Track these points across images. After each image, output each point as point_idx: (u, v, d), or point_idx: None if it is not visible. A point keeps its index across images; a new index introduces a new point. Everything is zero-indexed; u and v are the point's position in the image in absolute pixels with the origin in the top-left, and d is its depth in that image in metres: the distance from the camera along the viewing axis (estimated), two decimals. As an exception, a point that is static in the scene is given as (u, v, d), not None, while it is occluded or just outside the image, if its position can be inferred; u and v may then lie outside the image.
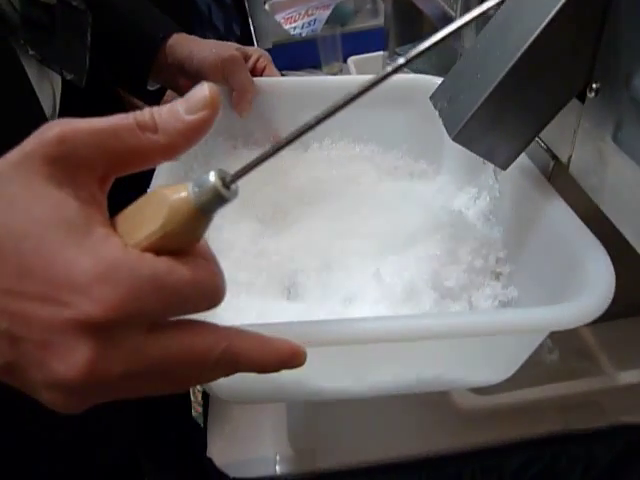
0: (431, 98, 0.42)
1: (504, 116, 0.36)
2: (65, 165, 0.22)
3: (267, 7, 1.57)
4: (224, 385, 0.37)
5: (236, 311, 0.39)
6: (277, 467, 0.51)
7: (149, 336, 0.22)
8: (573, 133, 0.38)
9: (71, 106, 0.56)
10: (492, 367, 0.39)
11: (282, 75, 1.36)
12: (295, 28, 1.46)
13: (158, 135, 0.22)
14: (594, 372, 0.51)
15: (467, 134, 0.37)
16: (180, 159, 0.51)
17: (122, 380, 0.22)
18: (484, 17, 0.47)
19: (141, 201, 0.23)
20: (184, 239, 0.22)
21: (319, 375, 0.37)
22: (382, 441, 0.51)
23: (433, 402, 0.51)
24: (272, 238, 0.48)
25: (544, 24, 0.32)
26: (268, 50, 1.33)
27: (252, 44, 1.11)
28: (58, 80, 0.53)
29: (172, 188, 0.22)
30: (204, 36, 0.91)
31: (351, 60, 1.14)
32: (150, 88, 0.63)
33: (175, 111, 0.23)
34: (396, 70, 0.23)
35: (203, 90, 0.23)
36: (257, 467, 0.52)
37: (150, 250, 0.22)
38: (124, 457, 0.67)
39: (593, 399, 0.51)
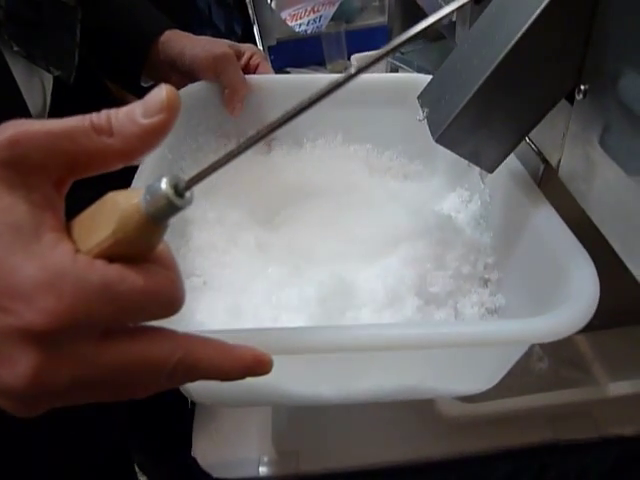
0: (418, 98, 0.41)
1: (489, 118, 0.35)
2: (17, 168, 0.21)
3: (273, 4, 1.56)
4: (199, 388, 0.37)
5: (209, 312, 0.38)
6: (260, 468, 0.51)
7: (101, 344, 0.22)
8: (562, 136, 0.36)
9: (63, 103, 0.56)
10: (474, 376, 0.38)
11: (286, 72, 1.35)
12: (300, 25, 1.45)
13: (114, 138, 0.22)
14: (585, 382, 0.49)
15: (451, 136, 0.36)
16: (167, 157, 0.50)
17: (71, 388, 0.21)
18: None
19: (95, 206, 0.22)
20: (137, 246, 0.22)
21: (297, 381, 0.37)
22: (366, 446, 0.50)
23: (418, 408, 0.50)
24: (260, 238, 0.47)
25: (530, 22, 0.31)
26: (272, 47, 1.34)
27: (254, 44, 1.10)
28: (49, 77, 0.53)
29: (125, 194, 0.21)
30: (204, 34, 0.90)
31: (354, 58, 1.13)
32: (144, 85, 0.62)
33: (132, 114, 0.22)
34: (354, 75, 0.21)
35: (160, 93, 0.22)
36: (241, 468, 0.52)
37: (102, 257, 0.21)
38: (115, 450, 0.67)
39: (584, 409, 0.50)
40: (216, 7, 0.92)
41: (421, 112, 0.39)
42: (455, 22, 0.56)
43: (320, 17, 1.42)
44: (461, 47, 0.37)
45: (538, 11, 0.30)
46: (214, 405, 0.52)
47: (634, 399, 0.48)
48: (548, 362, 0.48)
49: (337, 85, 0.22)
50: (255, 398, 0.39)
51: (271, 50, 1.32)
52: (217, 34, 0.92)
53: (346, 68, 1.03)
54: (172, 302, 0.23)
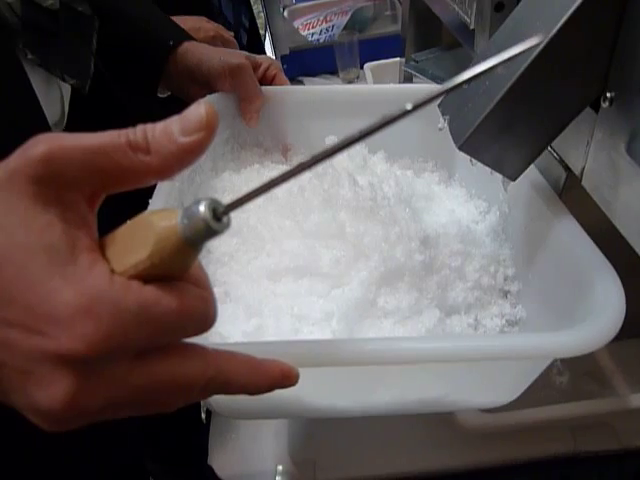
0: (439, 106, 0.40)
1: (513, 125, 0.35)
2: (51, 185, 0.21)
3: (285, 13, 1.57)
4: (222, 402, 0.37)
5: (231, 323, 0.38)
6: (277, 478, 0.50)
7: (134, 364, 0.21)
8: (586, 144, 0.36)
9: (80, 113, 0.56)
10: (497, 390, 0.37)
11: (299, 81, 1.36)
12: (313, 34, 1.45)
13: (150, 157, 0.21)
14: (606, 393, 0.49)
15: (474, 143, 0.35)
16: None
17: (105, 408, 0.21)
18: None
19: (130, 225, 0.22)
20: (172, 268, 0.21)
21: (319, 394, 0.36)
22: (383, 456, 0.50)
23: (437, 419, 0.49)
24: (281, 247, 0.46)
25: (556, 29, 0.30)
26: (285, 56, 1.34)
27: (259, 37, 1.11)
28: (67, 87, 0.53)
29: (160, 215, 0.21)
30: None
31: (367, 66, 1.13)
32: (161, 95, 0.63)
33: (169, 132, 0.21)
34: (410, 111, 0.21)
35: (199, 110, 0.21)
36: (257, 478, 0.52)
37: (137, 277, 0.21)
38: (130, 458, 0.67)
39: (604, 421, 0.49)
40: (225, 0, 0.94)
41: (442, 120, 0.39)
42: (474, 30, 0.56)
43: (332, 26, 1.43)
44: (485, 52, 0.37)
45: (563, 19, 0.30)
46: (235, 417, 0.51)
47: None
48: (569, 375, 0.47)
49: (390, 120, 0.20)
50: (278, 411, 0.39)
51: (284, 59, 1.32)
52: (226, 25, 0.93)
53: (358, 77, 1.03)
54: (205, 321, 0.23)
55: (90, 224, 0.22)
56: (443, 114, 0.39)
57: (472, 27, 0.55)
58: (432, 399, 0.37)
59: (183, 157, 0.21)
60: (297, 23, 1.53)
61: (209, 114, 0.21)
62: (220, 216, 0.20)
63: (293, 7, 1.61)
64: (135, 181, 0.22)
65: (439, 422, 0.49)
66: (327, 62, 1.31)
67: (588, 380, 0.49)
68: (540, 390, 0.38)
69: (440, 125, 0.39)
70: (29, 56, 0.44)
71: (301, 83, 1.34)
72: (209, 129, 0.21)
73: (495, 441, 0.48)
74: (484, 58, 0.36)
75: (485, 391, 0.37)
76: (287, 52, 1.34)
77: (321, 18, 1.49)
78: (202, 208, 0.20)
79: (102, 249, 0.22)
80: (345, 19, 1.41)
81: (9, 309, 0.20)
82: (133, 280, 0.21)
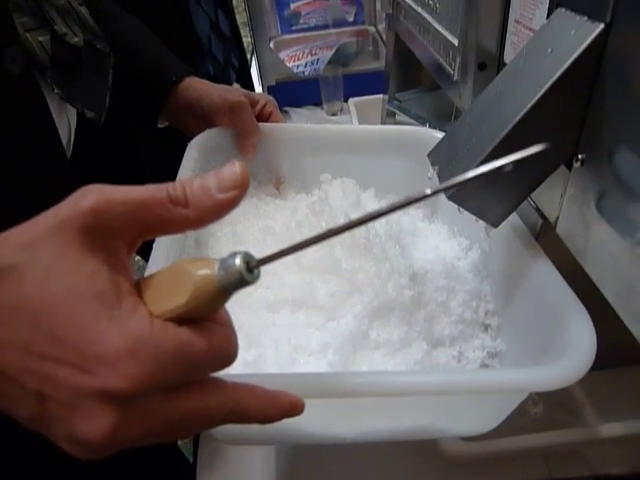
0: (429, 156, 0.44)
1: (496, 180, 0.39)
2: (98, 234, 0.23)
3: (272, 44, 1.62)
4: (224, 429, 0.39)
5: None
6: (265, 505, 0.52)
7: (166, 399, 0.24)
8: (560, 197, 0.40)
9: (84, 137, 0.59)
10: (480, 418, 0.40)
11: (284, 111, 1.40)
12: (298, 66, 1.50)
13: (189, 210, 0.24)
14: (577, 423, 0.52)
15: (462, 194, 0.39)
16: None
17: (138, 439, 0.24)
18: (481, 85, 0.50)
19: (167, 271, 0.24)
20: (205, 312, 0.24)
21: (315, 422, 0.39)
22: (368, 483, 0.52)
23: (421, 447, 0.52)
24: (277, 278, 0.49)
25: (536, 99, 0.34)
26: (272, 87, 1.38)
27: (249, 76, 1.15)
28: (74, 114, 0.56)
29: (198, 265, 0.23)
30: (206, 66, 0.95)
31: (351, 102, 1.18)
32: (160, 126, 0.65)
33: (206, 188, 0.24)
34: (429, 195, 0.24)
35: (234, 169, 0.24)
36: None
37: (173, 319, 0.23)
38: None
39: (576, 449, 0.52)
40: (216, 40, 0.97)
41: (431, 170, 0.43)
42: (456, 80, 0.60)
43: (318, 60, 1.48)
44: (470, 112, 0.41)
45: (543, 90, 0.34)
46: (232, 444, 0.53)
47: (624, 440, 0.51)
48: (542, 406, 0.51)
49: (413, 201, 0.24)
50: (276, 437, 0.41)
51: (270, 89, 1.37)
52: (216, 65, 0.97)
53: (342, 109, 1.08)
54: (229, 358, 0.25)
55: (129, 268, 0.25)
56: (432, 164, 0.43)
57: (455, 79, 0.59)
58: (420, 427, 0.40)
59: (218, 211, 0.24)
60: (283, 55, 1.57)
61: (243, 174, 0.24)
62: (252, 269, 0.23)
63: (279, 38, 1.66)
64: (171, 230, 0.25)
65: (422, 450, 0.52)
66: (312, 94, 1.36)
67: (560, 410, 0.53)
68: (516, 419, 0.42)
69: (430, 174, 0.42)
70: (55, 90, 0.46)
71: (286, 113, 1.38)
72: (242, 187, 0.24)
73: (476, 468, 0.51)
74: (464, 120, 0.40)
75: (471, 420, 0.40)
76: (274, 83, 1.38)
77: (306, 51, 1.54)
78: (238, 261, 0.23)
79: (139, 291, 0.24)
80: (330, 54, 1.47)
81: (60, 349, 0.22)
82: (169, 322, 0.23)
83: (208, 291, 0.23)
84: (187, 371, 0.23)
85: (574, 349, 0.34)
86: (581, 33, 0.33)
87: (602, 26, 0.32)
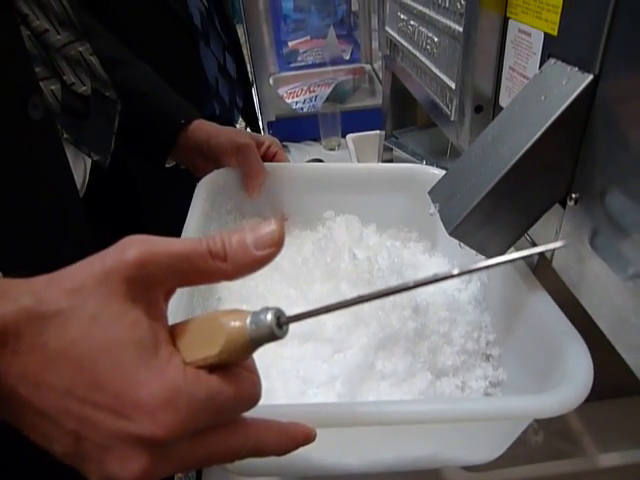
0: (430, 193, 0.46)
1: (495, 216, 0.41)
2: (141, 285, 0.24)
3: (271, 81, 1.67)
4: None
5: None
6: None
7: (194, 440, 0.25)
8: (555, 233, 0.42)
9: (96, 179, 0.61)
10: (485, 446, 0.42)
11: (284, 146, 1.44)
12: (297, 103, 1.55)
13: (227, 264, 0.25)
14: (577, 453, 0.53)
15: (463, 230, 0.41)
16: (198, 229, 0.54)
17: (165, 476, 0.25)
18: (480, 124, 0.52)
19: (200, 321, 0.26)
20: (234, 361, 0.25)
21: (323, 453, 0.40)
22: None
23: (423, 477, 0.53)
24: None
25: (531, 142, 0.37)
26: (271, 122, 1.42)
27: (254, 116, 1.19)
28: (89, 160, 0.58)
29: (230, 317, 0.25)
30: (211, 105, 0.98)
31: (349, 137, 1.21)
32: (167, 165, 0.68)
33: (244, 244, 0.25)
34: (446, 277, 0.26)
35: (271, 228, 0.25)
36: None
37: (204, 367, 0.25)
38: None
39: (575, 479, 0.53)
40: (222, 82, 1.01)
41: (432, 207, 0.45)
42: (453, 120, 0.63)
43: (316, 97, 1.53)
44: (469, 154, 0.44)
45: (537, 134, 0.37)
46: (246, 476, 0.54)
47: (623, 470, 0.52)
48: (543, 435, 0.52)
49: (439, 279, 0.26)
50: (286, 469, 0.42)
51: (270, 125, 1.41)
52: (222, 105, 1.01)
53: (339, 145, 1.12)
54: (254, 402, 0.27)
55: (165, 316, 0.26)
56: (433, 201, 0.45)
57: (452, 119, 0.62)
58: (426, 456, 0.41)
59: (254, 267, 0.25)
60: (282, 91, 1.62)
61: (280, 233, 0.25)
62: (282, 325, 0.25)
63: (277, 75, 1.72)
64: (208, 281, 0.26)
65: (424, 478, 0.53)
66: (310, 130, 1.39)
67: (560, 439, 0.54)
68: (517, 448, 0.43)
69: (431, 211, 0.45)
70: (65, 135, 0.49)
71: (286, 147, 1.42)
72: (278, 245, 0.25)
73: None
74: (463, 161, 0.42)
75: (476, 448, 0.41)
76: (273, 118, 1.42)
77: (304, 88, 1.59)
78: (269, 317, 0.24)
79: (173, 337, 0.26)
80: (328, 91, 1.52)
81: (100, 394, 0.23)
82: (201, 370, 0.25)
83: (239, 344, 0.24)
84: (216, 417, 0.25)
85: (572, 376, 0.35)
86: (572, 82, 0.36)
87: (591, 77, 0.34)
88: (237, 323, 0.24)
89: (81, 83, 0.51)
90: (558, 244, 0.28)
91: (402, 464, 0.41)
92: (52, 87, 0.47)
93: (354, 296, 0.26)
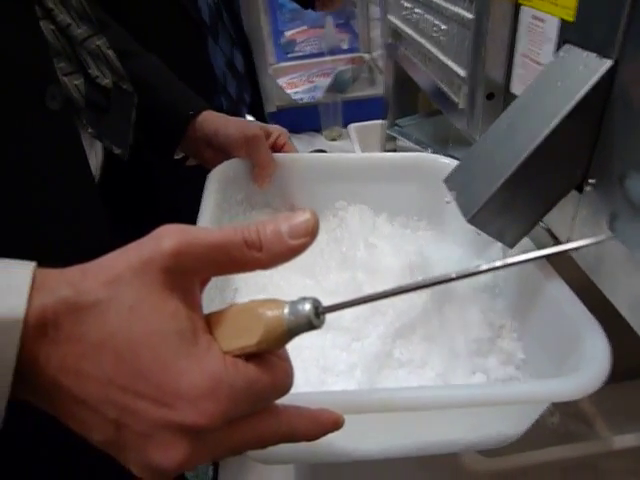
0: (445, 182, 0.46)
1: (513, 204, 0.41)
2: (178, 274, 0.24)
3: (270, 71, 1.66)
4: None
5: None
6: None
7: (230, 428, 0.26)
8: (572, 219, 0.42)
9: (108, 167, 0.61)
10: (504, 429, 0.42)
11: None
12: (297, 93, 1.54)
13: (262, 253, 0.25)
14: (591, 436, 0.54)
15: (481, 218, 0.41)
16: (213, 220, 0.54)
17: (202, 462, 0.25)
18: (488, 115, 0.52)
19: (237, 310, 0.26)
20: (270, 350, 0.26)
21: (343, 439, 0.40)
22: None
23: (440, 462, 0.53)
24: None
25: (549, 130, 0.37)
26: (273, 113, 1.42)
27: (261, 111, 1.18)
28: (100, 148, 0.58)
29: (268, 306, 0.25)
30: (219, 100, 0.98)
31: (352, 127, 1.21)
32: (176, 157, 0.68)
33: (279, 233, 0.25)
34: (488, 270, 0.28)
35: (306, 217, 0.25)
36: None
37: (242, 356, 0.25)
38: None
39: (590, 462, 0.54)
40: (230, 77, 1.00)
41: (449, 195, 0.45)
42: (461, 108, 0.63)
43: (315, 87, 1.52)
44: (484, 142, 0.44)
45: (555, 122, 0.37)
46: (267, 464, 0.54)
47: (637, 451, 0.53)
48: (559, 417, 0.52)
49: (482, 271, 0.27)
50: (305, 456, 0.43)
51: (271, 116, 1.40)
52: (230, 100, 1.00)
53: (341, 135, 1.12)
54: (287, 389, 0.27)
55: (201, 305, 0.26)
56: (450, 189, 0.45)
57: (461, 107, 0.62)
58: (446, 441, 0.41)
59: (288, 256, 0.25)
60: (281, 81, 1.62)
61: (315, 222, 0.25)
62: (319, 314, 0.25)
63: (276, 66, 1.71)
64: (243, 270, 0.26)
65: (442, 466, 0.53)
66: (311, 120, 1.39)
67: (575, 422, 0.54)
68: (534, 430, 0.44)
69: (447, 199, 0.45)
70: (89, 130, 0.49)
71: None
72: (312, 234, 0.25)
73: (494, 481, 0.53)
74: (477, 150, 0.42)
75: (495, 431, 0.42)
76: (274, 110, 1.42)
77: (304, 78, 1.59)
78: (307, 307, 0.24)
79: (209, 326, 0.26)
80: (327, 81, 1.51)
81: (142, 383, 0.23)
82: (239, 359, 0.25)
83: (277, 334, 0.25)
84: (254, 405, 0.25)
85: (591, 360, 0.36)
86: (590, 69, 0.36)
87: (610, 62, 0.34)
88: (275, 313, 0.24)
89: (103, 76, 0.50)
90: (589, 241, 0.28)
91: (422, 450, 0.41)
92: (76, 82, 0.47)
93: (393, 287, 0.26)
